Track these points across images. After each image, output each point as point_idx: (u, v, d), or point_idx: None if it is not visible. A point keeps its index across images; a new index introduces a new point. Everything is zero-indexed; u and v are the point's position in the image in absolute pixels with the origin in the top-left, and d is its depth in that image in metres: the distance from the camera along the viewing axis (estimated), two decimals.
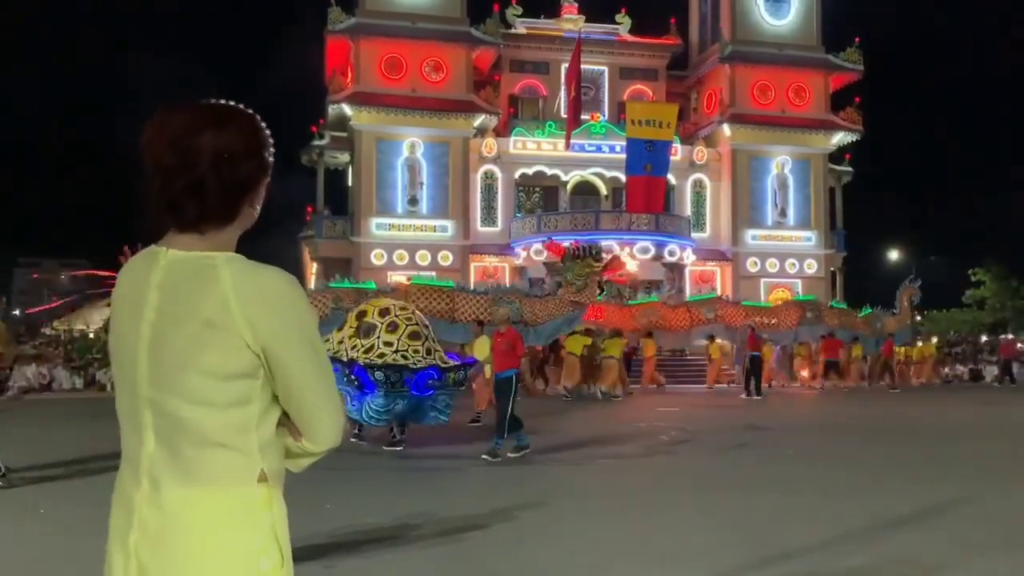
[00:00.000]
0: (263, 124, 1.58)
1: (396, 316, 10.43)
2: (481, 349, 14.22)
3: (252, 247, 1.64)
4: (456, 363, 10.66)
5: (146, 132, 1.51)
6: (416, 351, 10.10)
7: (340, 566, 5.07)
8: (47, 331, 31.60)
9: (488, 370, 13.94)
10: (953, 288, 48.18)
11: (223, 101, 1.56)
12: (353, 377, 9.77)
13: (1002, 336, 36.51)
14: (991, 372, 32.42)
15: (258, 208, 1.62)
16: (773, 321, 25.92)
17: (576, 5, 36.46)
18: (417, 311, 11.47)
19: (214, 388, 1.46)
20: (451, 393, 10.59)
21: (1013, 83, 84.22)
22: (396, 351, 10.01)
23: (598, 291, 20.94)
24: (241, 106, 1.57)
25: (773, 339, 25.52)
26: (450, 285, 21.84)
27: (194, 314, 1.46)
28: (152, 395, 1.49)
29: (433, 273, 29.33)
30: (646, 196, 30.79)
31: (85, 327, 32.60)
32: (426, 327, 10.65)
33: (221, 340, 1.45)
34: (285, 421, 1.57)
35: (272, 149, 1.58)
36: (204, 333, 1.45)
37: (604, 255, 21.51)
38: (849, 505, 6.94)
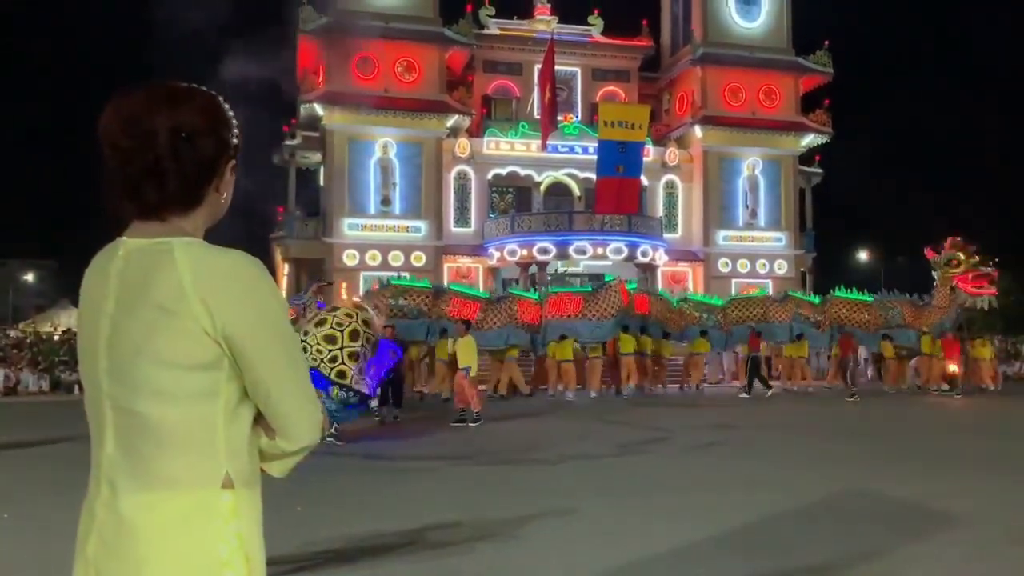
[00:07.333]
0: (225, 105, 1.50)
1: (333, 327, 10.17)
2: (466, 351, 13.94)
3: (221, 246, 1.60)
4: (357, 385, 10.11)
5: (103, 115, 1.44)
6: (320, 351, 9.91)
7: None
8: (13, 333, 31.14)
9: (473, 370, 13.83)
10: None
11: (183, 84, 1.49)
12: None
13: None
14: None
15: (226, 195, 1.54)
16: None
17: (549, 6, 36.59)
18: (367, 324, 10.36)
19: (171, 379, 1.38)
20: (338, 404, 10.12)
21: (980, 83, 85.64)
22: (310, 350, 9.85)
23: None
24: (200, 86, 1.50)
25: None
26: (814, 300, 25.58)
27: (147, 300, 1.38)
28: (111, 390, 1.42)
29: (407, 274, 29.25)
30: (618, 197, 30.82)
31: (52, 329, 32.20)
32: (354, 341, 10.05)
33: (176, 327, 1.37)
34: (259, 419, 1.48)
35: (236, 131, 1.51)
36: (158, 319, 1.38)
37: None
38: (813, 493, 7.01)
